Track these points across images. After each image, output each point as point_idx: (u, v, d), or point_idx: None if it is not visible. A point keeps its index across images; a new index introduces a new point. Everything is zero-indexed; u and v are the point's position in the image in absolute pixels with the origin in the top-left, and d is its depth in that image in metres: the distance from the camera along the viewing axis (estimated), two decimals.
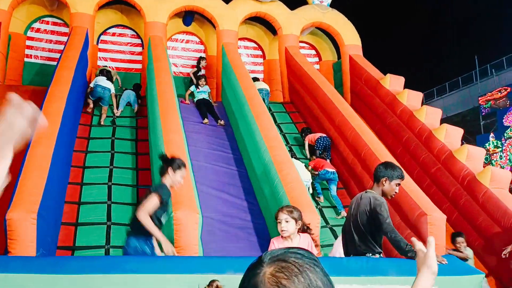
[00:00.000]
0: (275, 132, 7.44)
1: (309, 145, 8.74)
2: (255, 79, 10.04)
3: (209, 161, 7.78)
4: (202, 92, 9.54)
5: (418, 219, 5.91)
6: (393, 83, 9.26)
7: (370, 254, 3.76)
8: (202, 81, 9.66)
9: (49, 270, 2.89)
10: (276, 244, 3.81)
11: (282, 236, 3.84)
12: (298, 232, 3.85)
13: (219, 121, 9.09)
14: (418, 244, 1.58)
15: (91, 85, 8.75)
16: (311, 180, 7.67)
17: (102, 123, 8.47)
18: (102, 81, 8.65)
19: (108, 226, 6.29)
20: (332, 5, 11.65)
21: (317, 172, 7.80)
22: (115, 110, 8.88)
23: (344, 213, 7.24)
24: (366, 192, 3.91)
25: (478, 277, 3.84)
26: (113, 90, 8.82)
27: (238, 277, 2.91)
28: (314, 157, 8.35)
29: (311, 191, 7.63)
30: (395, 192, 3.85)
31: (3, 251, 4.89)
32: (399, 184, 3.84)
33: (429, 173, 7.77)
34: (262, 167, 6.87)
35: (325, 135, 8.62)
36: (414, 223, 6.00)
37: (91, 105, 8.71)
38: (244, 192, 7.32)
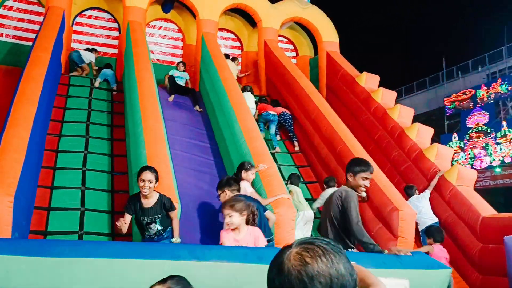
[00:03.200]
0: (253, 124, 7.50)
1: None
2: (227, 56, 10.14)
3: (185, 149, 7.77)
4: (179, 78, 9.58)
5: (390, 214, 6.12)
6: (368, 81, 9.48)
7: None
8: (180, 66, 9.68)
9: (34, 253, 2.87)
10: (224, 235, 3.81)
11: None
12: (247, 223, 3.90)
13: (197, 106, 9.15)
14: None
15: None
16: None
17: (84, 75, 9.41)
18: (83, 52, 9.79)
19: (82, 212, 6.20)
20: (312, 1, 11.78)
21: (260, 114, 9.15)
22: (95, 83, 9.24)
23: (278, 149, 8.79)
24: (340, 187, 3.93)
25: (446, 271, 4.02)
26: (94, 61, 9.87)
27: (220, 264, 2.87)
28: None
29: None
30: (365, 186, 3.79)
31: None
32: (366, 178, 3.78)
33: (399, 170, 8.04)
34: (240, 159, 6.93)
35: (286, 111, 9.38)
36: (386, 218, 6.21)
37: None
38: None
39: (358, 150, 7.44)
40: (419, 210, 6.84)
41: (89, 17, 10.89)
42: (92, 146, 7.42)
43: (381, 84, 9.60)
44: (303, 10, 11.51)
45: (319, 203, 7.06)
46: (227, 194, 4.66)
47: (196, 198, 6.75)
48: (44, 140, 7.03)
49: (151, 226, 4.68)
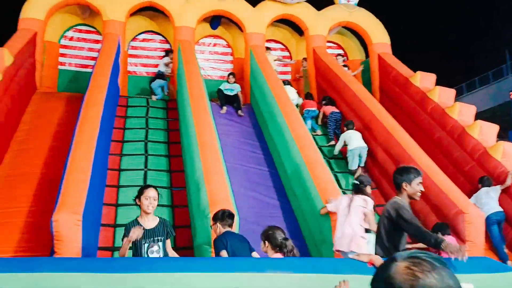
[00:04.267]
0: (305, 132, 7.48)
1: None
2: (285, 83, 10.12)
3: (240, 162, 7.88)
4: (229, 90, 9.71)
5: (455, 217, 5.85)
6: (423, 80, 9.17)
7: None
8: (230, 78, 9.83)
9: (100, 269, 3.01)
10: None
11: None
12: None
13: (239, 111, 9.42)
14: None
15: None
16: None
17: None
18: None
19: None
20: (360, 4, 11.61)
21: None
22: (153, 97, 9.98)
23: (319, 132, 9.48)
24: (393, 198, 3.92)
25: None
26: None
27: (277, 275, 2.94)
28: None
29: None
30: (421, 190, 3.82)
31: (49, 252, 5.09)
32: (420, 183, 3.81)
33: (463, 171, 7.67)
34: (294, 168, 6.92)
35: (337, 110, 9.52)
36: (451, 222, 5.93)
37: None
38: (276, 192, 7.39)
39: (417, 153, 7.19)
40: (485, 203, 6.53)
41: (143, 40, 11.38)
42: (151, 163, 7.70)
43: (438, 83, 9.25)
44: (350, 14, 11.37)
45: (339, 145, 8.43)
46: (218, 227, 4.50)
47: (253, 210, 6.80)
48: (107, 160, 7.39)
49: (153, 250, 4.16)
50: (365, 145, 8.19)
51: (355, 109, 9.00)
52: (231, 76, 9.91)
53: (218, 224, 4.52)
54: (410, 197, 3.79)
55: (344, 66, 11.05)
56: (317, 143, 8.08)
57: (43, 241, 5.61)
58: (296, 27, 12.01)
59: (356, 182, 5.38)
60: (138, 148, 8.06)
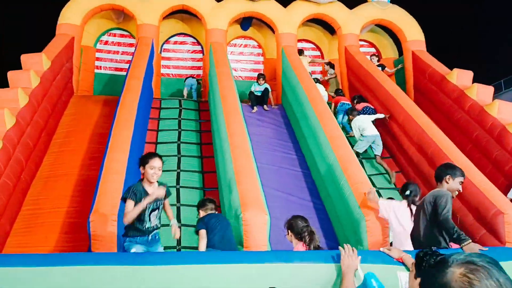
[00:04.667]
0: (338, 131, 7.39)
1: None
2: (315, 80, 10.12)
3: (272, 163, 7.86)
4: (259, 92, 9.80)
5: (494, 218, 5.64)
6: (460, 77, 8.90)
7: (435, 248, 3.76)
8: (260, 80, 9.92)
9: (131, 262, 3.09)
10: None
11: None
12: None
13: (265, 106, 9.63)
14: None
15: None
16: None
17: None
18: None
19: (179, 227, 6.51)
20: (393, 1, 11.40)
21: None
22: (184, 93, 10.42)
23: (352, 133, 8.97)
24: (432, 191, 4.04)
25: None
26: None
27: (307, 265, 2.95)
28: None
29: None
30: (459, 190, 4.00)
31: (87, 251, 5.24)
32: (461, 183, 4.00)
33: (503, 171, 7.38)
34: (327, 167, 6.85)
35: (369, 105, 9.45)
36: (490, 223, 5.73)
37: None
38: (309, 192, 7.34)
39: (453, 152, 6.98)
40: None
41: (175, 42, 11.56)
42: (184, 164, 7.80)
43: (475, 80, 8.96)
44: (383, 11, 11.17)
45: (356, 134, 8.49)
46: (200, 213, 5.05)
47: (285, 211, 6.77)
48: None
49: (155, 214, 4.32)
50: (378, 132, 8.39)
51: (389, 108, 8.83)
52: (261, 78, 9.95)
53: (200, 211, 5.07)
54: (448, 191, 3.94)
55: (379, 66, 10.88)
56: (351, 145, 8.00)
57: (81, 241, 5.78)
58: (328, 26, 11.90)
59: (407, 193, 4.98)
60: (171, 149, 8.18)
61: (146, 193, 4.17)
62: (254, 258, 3.14)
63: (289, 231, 4.07)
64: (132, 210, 4.05)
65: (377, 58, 11.33)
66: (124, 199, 4.18)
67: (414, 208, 4.77)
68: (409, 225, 4.66)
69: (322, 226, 6.57)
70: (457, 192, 3.99)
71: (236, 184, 5.74)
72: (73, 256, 3.42)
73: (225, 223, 4.97)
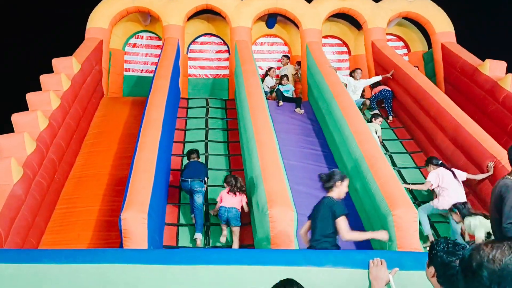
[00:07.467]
0: (364, 126, 7.29)
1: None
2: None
3: (300, 159, 7.82)
4: (285, 91, 9.79)
5: None
6: (493, 68, 8.64)
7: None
8: (284, 80, 9.91)
9: (162, 261, 3.12)
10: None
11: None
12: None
13: (297, 109, 9.38)
14: None
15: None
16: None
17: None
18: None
19: (207, 226, 6.59)
20: None
21: None
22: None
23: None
24: (503, 178, 3.64)
25: None
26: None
27: (337, 270, 2.92)
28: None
29: None
30: None
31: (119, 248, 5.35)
32: None
33: None
34: (353, 163, 6.77)
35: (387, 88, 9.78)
36: None
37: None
38: None
39: (490, 144, 6.79)
40: None
41: (201, 43, 11.64)
42: (212, 163, 7.86)
43: (509, 70, 8.68)
44: (410, 3, 10.94)
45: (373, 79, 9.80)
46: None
47: (311, 208, 6.72)
48: (169, 161, 7.64)
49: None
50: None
51: (420, 102, 8.64)
52: (284, 78, 9.97)
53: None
54: None
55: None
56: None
57: (112, 239, 5.92)
58: (353, 21, 11.74)
59: (439, 162, 6.85)
60: (199, 148, 8.23)
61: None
62: (283, 259, 3.08)
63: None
64: (359, 236, 4.83)
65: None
66: (346, 215, 4.55)
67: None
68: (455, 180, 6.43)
69: (350, 223, 6.47)
70: None
71: (263, 181, 5.75)
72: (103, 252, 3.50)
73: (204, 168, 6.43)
